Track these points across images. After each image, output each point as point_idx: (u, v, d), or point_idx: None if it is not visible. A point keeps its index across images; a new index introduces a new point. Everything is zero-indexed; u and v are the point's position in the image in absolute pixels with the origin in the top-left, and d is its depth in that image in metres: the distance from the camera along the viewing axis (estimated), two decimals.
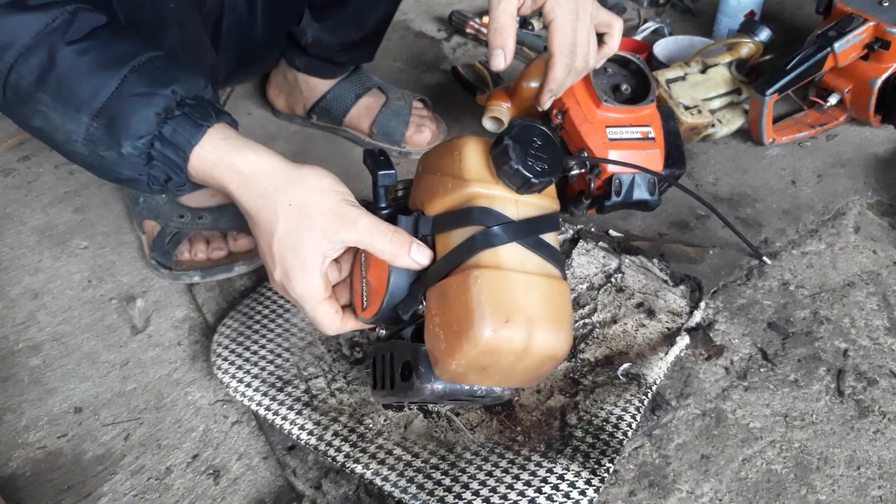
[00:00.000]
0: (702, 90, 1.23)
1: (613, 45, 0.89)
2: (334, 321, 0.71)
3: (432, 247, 0.68)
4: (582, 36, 0.82)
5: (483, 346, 0.61)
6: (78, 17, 0.66)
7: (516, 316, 0.61)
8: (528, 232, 0.65)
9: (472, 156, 0.67)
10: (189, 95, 0.67)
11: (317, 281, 0.68)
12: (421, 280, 0.67)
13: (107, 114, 0.65)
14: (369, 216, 0.67)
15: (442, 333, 0.64)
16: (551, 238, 0.67)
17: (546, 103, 0.89)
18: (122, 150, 0.66)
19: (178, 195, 0.70)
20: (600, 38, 0.88)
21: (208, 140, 0.67)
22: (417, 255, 0.67)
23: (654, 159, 0.97)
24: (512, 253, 0.64)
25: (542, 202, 0.68)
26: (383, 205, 0.71)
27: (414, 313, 0.68)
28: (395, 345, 0.70)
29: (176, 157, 0.67)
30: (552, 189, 0.70)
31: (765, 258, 1.03)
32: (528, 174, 0.64)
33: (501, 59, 0.80)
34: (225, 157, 0.67)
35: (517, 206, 0.66)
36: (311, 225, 0.66)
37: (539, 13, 0.81)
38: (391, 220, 0.69)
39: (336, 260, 0.72)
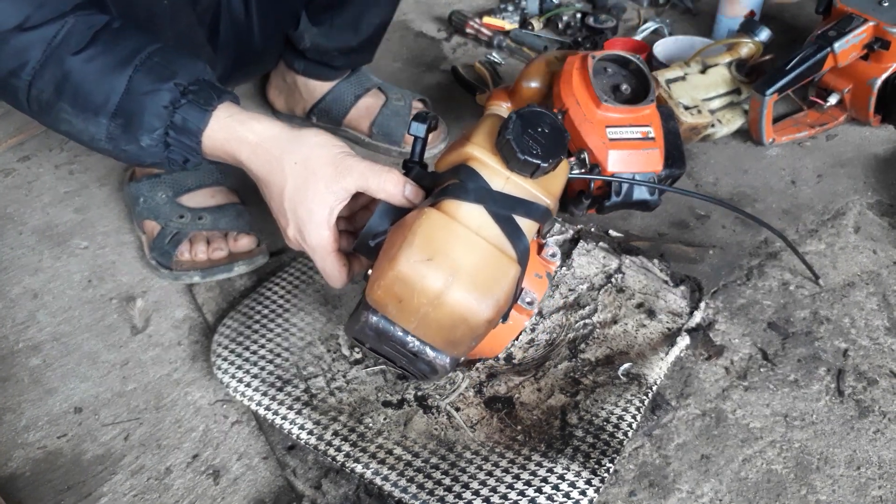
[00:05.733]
0: (702, 90, 1.23)
1: None
2: (342, 273, 0.75)
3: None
4: None
5: (398, 272, 0.63)
6: (77, 26, 0.71)
7: (441, 260, 0.63)
8: (500, 204, 0.67)
9: (486, 126, 0.70)
10: (190, 81, 0.72)
11: (325, 231, 0.72)
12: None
13: (122, 114, 0.71)
14: (365, 162, 0.72)
15: (382, 258, 0.67)
16: (527, 225, 0.68)
17: None
18: (142, 143, 0.72)
19: (196, 169, 0.76)
20: None
21: (215, 121, 0.72)
22: (410, 195, 0.71)
23: (653, 159, 0.97)
24: (473, 213, 0.66)
25: (534, 190, 0.68)
26: (416, 158, 0.75)
27: (380, 245, 0.70)
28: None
29: (190, 142, 0.73)
30: (554, 186, 0.70)
31: (820, 281, 1.01)
32: (515, 147, 0.65)
33: None
34: (233, 133, 0.72)
35: (506, 182, 0.68)
36: (315, 178, 0.71)
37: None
38: (410, 172, 0.73)
39: (366, 208, 0.78)
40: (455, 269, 0.63)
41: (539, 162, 0.65)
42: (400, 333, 0.67)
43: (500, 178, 0.67)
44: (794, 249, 1.00)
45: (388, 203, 0.71)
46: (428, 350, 0.68)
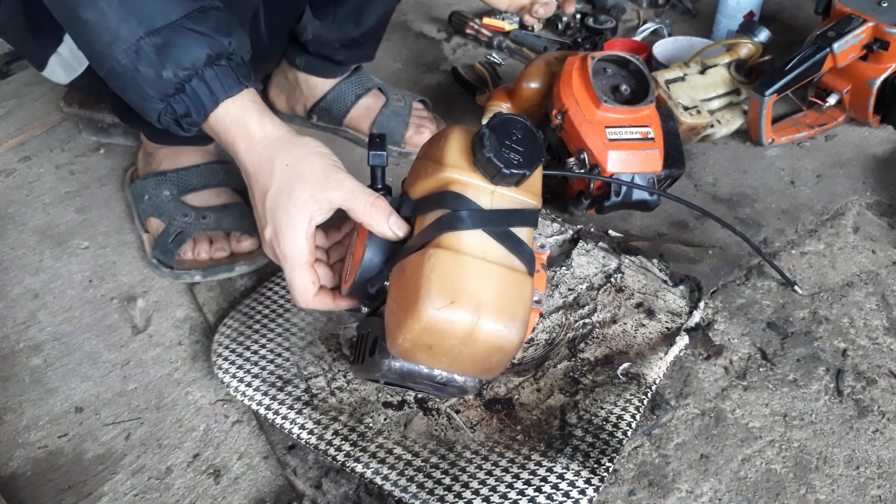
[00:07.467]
0: (701, 91, 1.24)
1: None
2: (308, 290, 0.72)
3: (413, 229, 0.69)
4: None
5: (426, 324, 0.61)
6: None
7: (463, 299, 0.61)
8: (496, 222, 0.66)
9: (455, 143, 0.68)
10: (238, 53, 0.72)
11: (301, 241, 0.70)
12: (392, 258, 0.69)
13: (163, 36, 0.68)
14: (356, 181, 0.70)
15: (395, 307, 0.65)
16: (524, 233, 0.67)
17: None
18: (163, 72, 0.69)
19: (181, 133, 0.75)
20: None
21: (240, 98, 0.72)
22: (394, 226, 0.69)
23: (653, 160, 0.97)
24: (475, 239, 0.64)
25: (521, 197, 0.68)
26: (379, 186, 0.73)
27: (382, 289, 0.69)
28: (371, 321, 0.71)
29: (207, 100, 0.71)
30: (535, 186, 0.69)
31: (797, 287, 1.00)
32: (499, 164, 0.64)
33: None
34: (246, 118, 0.72)
35: (492, 196, 0.67)
36: (302, 183, 0.69)
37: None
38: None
39: (339, 242, 0.78)
40: (478, 303, 0.62)
41: (525, 171, 0.65)
42: (426, 370, 0.66)
43: (486, 194, 0.66)
44: (769, 261, 1.00)
45: (375, 237, 0.69)
46: (456, 377, 0.67)
